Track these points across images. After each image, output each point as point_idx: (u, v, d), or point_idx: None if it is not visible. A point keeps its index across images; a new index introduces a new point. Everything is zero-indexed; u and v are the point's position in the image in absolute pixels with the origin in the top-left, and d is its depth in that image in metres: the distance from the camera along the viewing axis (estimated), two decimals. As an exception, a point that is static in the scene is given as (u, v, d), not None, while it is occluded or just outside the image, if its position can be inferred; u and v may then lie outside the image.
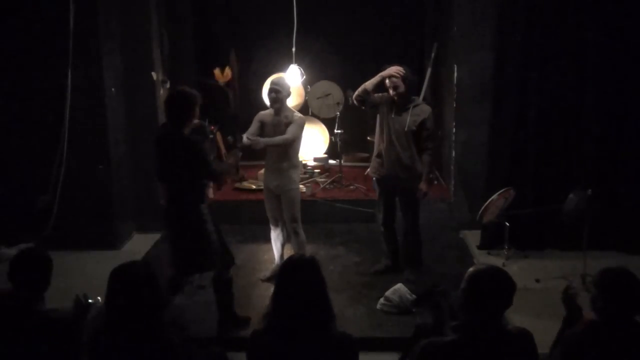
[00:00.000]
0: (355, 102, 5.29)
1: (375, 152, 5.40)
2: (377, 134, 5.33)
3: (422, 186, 5.19)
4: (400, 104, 5.15)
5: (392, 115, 5.16)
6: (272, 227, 5.41)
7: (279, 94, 5.06)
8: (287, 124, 5.07)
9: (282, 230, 5.38)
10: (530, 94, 5.97)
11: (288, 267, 2.76)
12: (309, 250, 5.56)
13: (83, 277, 4.90)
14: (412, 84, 5.19)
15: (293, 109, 5.33)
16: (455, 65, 6.50)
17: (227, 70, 7.92)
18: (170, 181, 4.30)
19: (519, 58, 5.94)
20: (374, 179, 5.55)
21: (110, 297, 2.56)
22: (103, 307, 2.63)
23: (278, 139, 5.02)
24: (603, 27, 5.76)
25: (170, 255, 4.44)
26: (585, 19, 5.79)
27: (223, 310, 4.59)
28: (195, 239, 4.28)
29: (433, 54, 7.55)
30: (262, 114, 5.26)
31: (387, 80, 5.13)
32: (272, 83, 5.17)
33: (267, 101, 7.28)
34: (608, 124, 5.91)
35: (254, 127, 5.15)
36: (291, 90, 5.32)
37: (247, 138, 4.87)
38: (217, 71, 7.91)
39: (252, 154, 5.64)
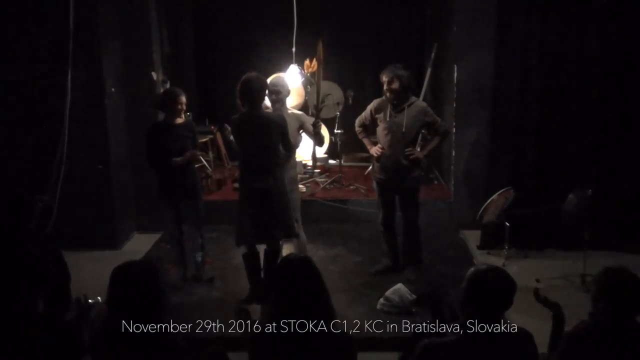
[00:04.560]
0: (359, 136, 5.47)
1: (376, 156, 5.38)
2: (378, 138, 5.31)
3: (417, 152, 5.19)
4: (396, 104, 5.12)
5: (389, 118, 5.15)
6: None
7: (279, 94, 5.07)
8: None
9: None
10: (530, 94, 5.98)
11: (283, 267, 2.77)
12: (309, 250, 5.56)
13: (83, 277, 4.89)
14: (406, 81, 5.10)
15: (291, 108, 5.35)
16: (455, 65, 6.50)
17: (314, 61, 7.57)
18: (264, 155, 4.67)
19: (519, 58, 5.94)
20: (374, 180, 5.56)
21: (112, 296, 2.56)
22: (103, 306, 2.62)
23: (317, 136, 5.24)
24: (603, 27, 5.77)
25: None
26: (585, 18, 5.79)
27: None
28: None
29: (433, 54, 7.55)
30: None
31: (384, 86, 5.12)
32: (272, 85, 5.11)
33: (267, 102, 7.30)
34: (608, 124, 5.92)
35: None
36: (290, 88, 5.32)
37: None
38: (307, 62, 7.60)
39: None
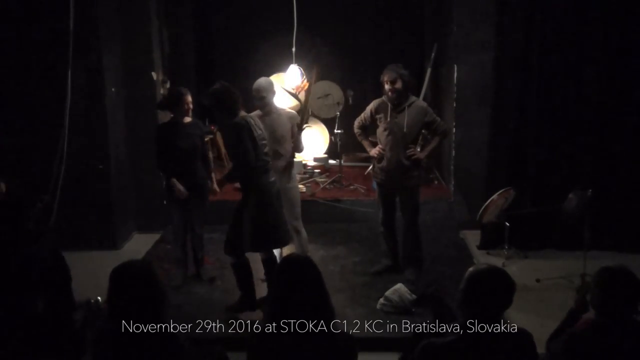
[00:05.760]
0: (359, 138, 5.45)
1: (376, 157, 5.38)
2: (379, 139, 5.31)
3: (418, 153, 5.17)
4: (397, 104, 5.12)
5: (390, 118, 5.15)
6: None
7: (264, 100, 5.02)
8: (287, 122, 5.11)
9: None
10: (530, 94, 5.98)
11: (284, 267, 2.77)
12: (310, 250, 5.56)
13: (83, 277, 4.89)
14: (408, 81, 5.10)
15: (279, 106, 5.33)
16: (455, 65, 6.51)
17: (304, 82, 7.49)
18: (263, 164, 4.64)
19: (519, 58, 5.94)
20: (374, 180, 5.55)
21: (112, 296, 2.56)
22: (104, 307, 2.63)
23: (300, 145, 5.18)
24: (603, 26, 5.77)
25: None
26: (585, 18, 5.79)
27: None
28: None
29: (433, 54, 7.55)
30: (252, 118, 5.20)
31: (385, 86, 5.11)
32: (255, 90, 5.02)
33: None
34: (608, 124, 5.92)
35: None
36: (274, 86, 5.23)
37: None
38: (298, 84, 7.53)
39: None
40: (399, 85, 5.02)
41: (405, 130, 5.08)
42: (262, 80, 5.09)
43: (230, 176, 4.97)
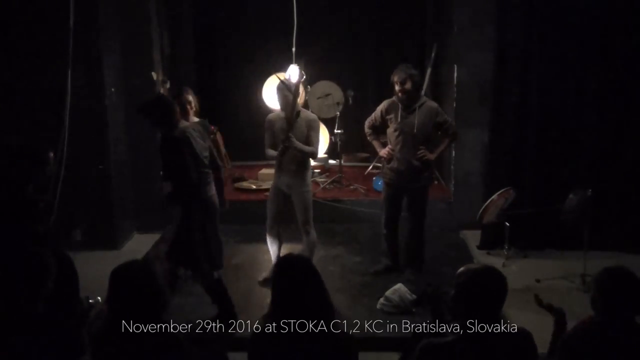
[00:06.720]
0: (369, 138, 5.43)
1: (386, 157, 5.36)
2: (389, 139, 5.30)
3: (429, 154, 5.16)
4: (408, 104, 5.11)
5: (400, 119, 5.15)
6: (268, 230, 5.30)
7: (286, 98, 5.01)
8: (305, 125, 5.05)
9: (277, 236, 5.29)
10: (530, 94, 5.98)
11: (281, 267, 2.79)
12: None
13: (83, 277, 4.89)
14: (418, 81, 5.13)
15: (302, 107, 5.30)
16: (455, 65, 6.50)
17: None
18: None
19: (519, 58, 5.94)
20: (377, 179, 5.54)
21: (112, 297, 2.56)
22: (103, 307, 2.63)
23: (307, 148, 5.02)
24: (603, 26, 5.76)
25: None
26: (585, 18, 5.79)
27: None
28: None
29: (433, 54, 7.55)
30: (271, 118, 5.18)
31: (396, 86, 5.10)
32: (279, 88, 5.04)
33: (267, 102, 7.25)
34: (608, 124, 5.92)
35: (269, 136, 5.11)
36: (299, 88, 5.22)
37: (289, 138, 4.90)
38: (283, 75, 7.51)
39: (254, 153, 5.59)
40: (408, 85, 5.02)
41: (415, 131, 5.08)
42: (286, 80, 5.13)
43: (172, 196, 4.51)
